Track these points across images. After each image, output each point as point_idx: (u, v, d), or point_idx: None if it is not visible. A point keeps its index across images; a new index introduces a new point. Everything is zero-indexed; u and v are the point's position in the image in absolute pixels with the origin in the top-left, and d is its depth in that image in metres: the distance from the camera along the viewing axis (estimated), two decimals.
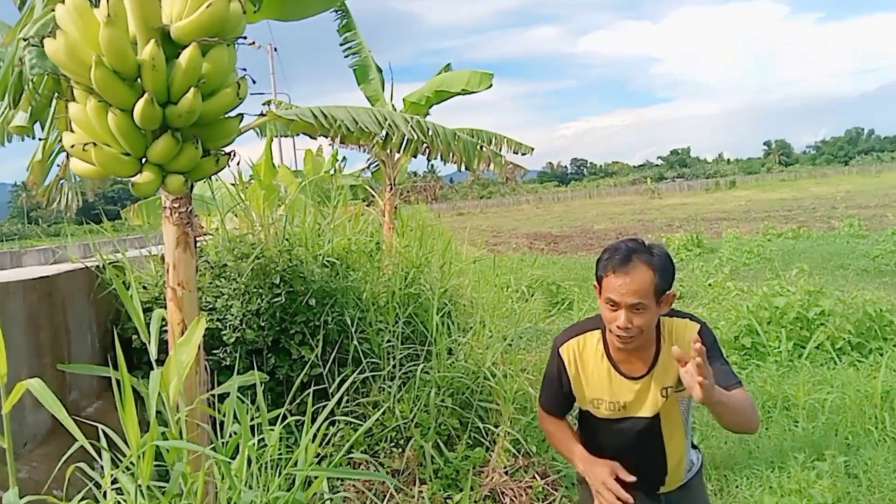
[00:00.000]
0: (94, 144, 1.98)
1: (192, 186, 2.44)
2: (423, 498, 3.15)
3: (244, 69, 2.15)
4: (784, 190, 48.47)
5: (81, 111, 2.00)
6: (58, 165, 2.86)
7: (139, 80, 1.97)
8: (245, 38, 2.12)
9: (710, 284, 8.59)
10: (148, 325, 2.19)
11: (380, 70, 7.90)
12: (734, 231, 16.73)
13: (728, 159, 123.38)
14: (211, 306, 3.56)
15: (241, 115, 2.24)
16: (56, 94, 2.38)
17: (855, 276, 9.59)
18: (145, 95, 1.92)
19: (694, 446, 2.23)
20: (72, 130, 2.07)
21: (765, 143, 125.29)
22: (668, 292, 1.93)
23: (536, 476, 3.39)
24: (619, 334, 1.91)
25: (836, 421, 4.18)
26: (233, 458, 1.76)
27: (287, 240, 3.95)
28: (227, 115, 2.21)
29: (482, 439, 3.55)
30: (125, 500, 1.55)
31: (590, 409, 2.13)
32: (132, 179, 2.09)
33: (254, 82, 2.17)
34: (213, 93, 2.08)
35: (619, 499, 1.95)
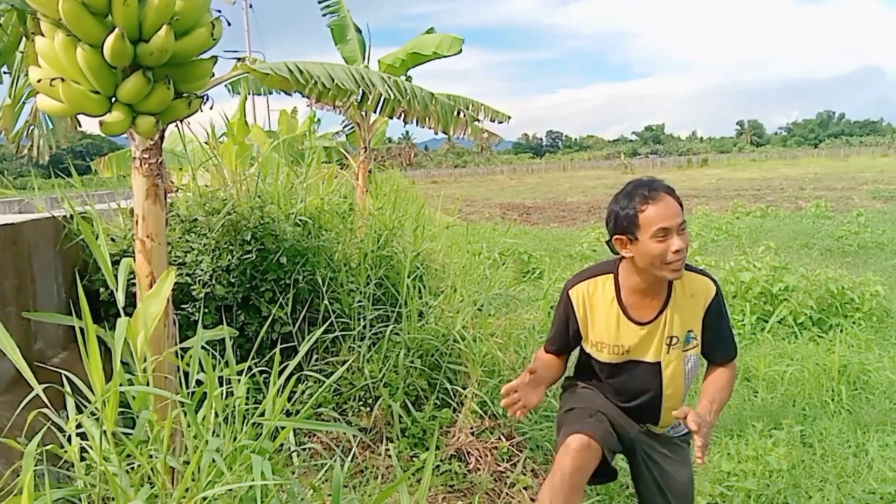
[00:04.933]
0: (62, 80, 1.90)
1: (162, 135, 2.37)
2: (389, 455, 3.18)
3: (219, 11, 2.08)
4: (754, 170, 49.23)
5: (49, 45, 1.91)
6: (28, 105, 2.74)
7: (110, 15, 1.89)
8: None
9: None
10: (116, 276, 2.14)
11: (358, 31, 7.73)
12: (704, 208, 16.99)
13: (701, 137, 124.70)
14: (180, 261, 3.51)
15: (215, 58, 2.17)
16: (24, 33, 2.27)
17: (819, 255, 9.84)
18: (116, 31, 1.84)
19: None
20: (38, 66, 1.99)
21: (738, 123, 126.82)
22: None
23: (502, 437, 3.45)
24: (676, 260, 1.90)
25: (794, 392, 4.32)
26: (199, 409, 1.75)
27: (259, 197, 3.88)
28: (200, 57, 2.13)
29: (450, 400, 3.59)
30: (90, 446, 1.53)
31: (592, 351, 2.16)
32: (101, 118, 2.02)
33: (229, 24, 2.10)
34: (186, 32, 2.01)
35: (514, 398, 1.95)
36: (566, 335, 2.19)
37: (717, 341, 2.13)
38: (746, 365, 4.76)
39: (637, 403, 2.15)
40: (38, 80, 1.93)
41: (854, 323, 5.61)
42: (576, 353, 2.35)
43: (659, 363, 2.08)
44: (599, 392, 2.24)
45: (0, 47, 2.29)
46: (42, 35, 1.95)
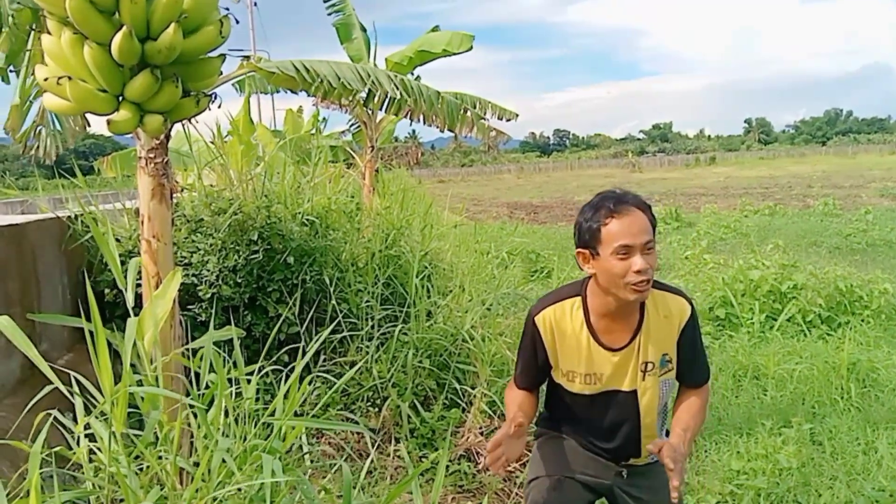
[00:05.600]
0: (69, 78, 1.88)
1: (168, 134, 2.37)
2: (399, 456, 3.17)
3: (227, 9, 2.06)
4: (762, 168, 48.97)
5: (55, 43, 1.90)
6: (36, 103, 2.74)
7: (117, 13, 1.87)
8: None
9: (686, 257, 8.69)
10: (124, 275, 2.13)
11: (364, 29, 7.72)
12: (712, 206, 16.90)
13: (709, 136, 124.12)
14: (187, 261, 3.50)
15: (223, 56, 2.15)
16: (33, 31, 2.26)
17: (828, 253, 9.77)
18: (123, 29, 1.82)
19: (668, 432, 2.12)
20: (45, 64, 1.98)
21: (745, 121, 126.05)
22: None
23: None
24: (638, 281, 1.76)
25: (803, 390, 4.28)
26: (209, 409, 1.73)
27: (265, 196, 3.87)
28: (208, 55, 2.12)
29: (459, 400, 3.57)
30: (98, 448, 1.52)
31: (562, 382, 2.01)
32: (108, 117, 2.00)
33: (237, 22, 2.08)
34: (194, 30, 1.99)
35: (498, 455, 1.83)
36: (535, 367, 2.04)
37: (690, 364, 2.01)
38: (756, 363, 4.72)
39: (615, 438, 2.03)
40: (45, 79, 1.92)
41: (863, 321, 5.57)
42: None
43: (635, 392, 1.95)
44: (573, 438, 2.12)
45: (9, 47, 2.28)
46: (49, 33, 1.94)
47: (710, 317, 5.91)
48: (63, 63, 1.92)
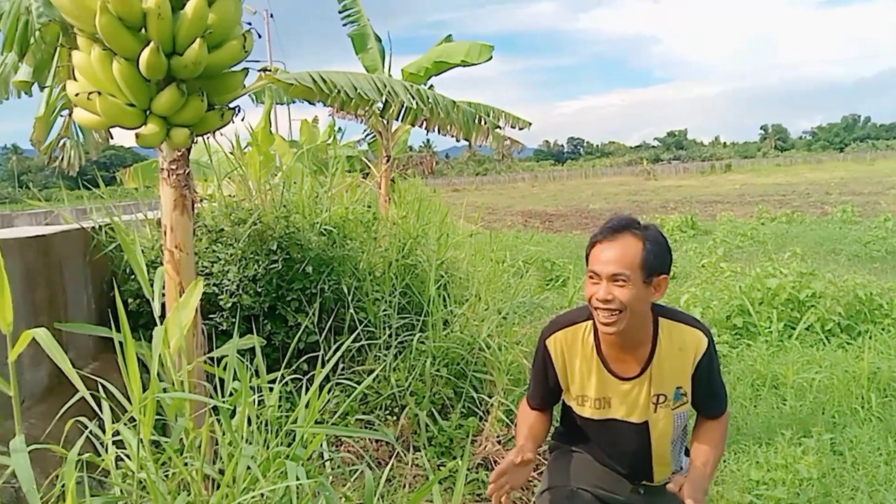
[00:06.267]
0: (99, 94, 1.95)
1: (189, 147, 2.42)
2: (417, 464, 3.19)
3: (249, 23, 2.12)
4: (779, 175, 48.54)
5: (85, 59, 1.96)
6: (61, 116, 2.82)
7: (144, 29, 1.93)
8: None
9: (703, 265, 8.62)
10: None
11: (378, 39, 7.79)
12: (728, 214, 16.76)
13: (724, 143, 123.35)
14: (207, 271, 3.55)
15: (246, 70, 2.21)
16: (59, 45, 2.33)
17: (847, 261, 9.65)
18: (151, 44, 1.89)
19: (688, 452, 2.09)
20: (75, 80, 2.04)
21: (761, 128, 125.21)
22: (661, 275, 1.79)
23: None
24: (597, 307, 1.77)
25: (823, 400, 4.24)
26: (232, 417, 1.77)
27: (284, 207, 3.92)
28: (232, 69, 2.17)
29: (476, 409, 3.58)
30: (126, 455, 1.55)
31: (573, 405, 2.00)
32: (136, 131, 2.06)
33: (259, 36, 2.13)
34: (219, 45, 2.05)
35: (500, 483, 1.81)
36: (546, 388, 2.03)
37: (707, 398, 1.97)
38: (774, 373, 4.69)
39: (625, 463, 2.01)
40: (76, 94, 1.98)
41: (883, 329, 5.49)
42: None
43: (646, 423, 1.91)
44: (587, 452, 2.10)
45: (35, 62, 2.35)
46: (79, 49, 2.00)
47: (728, 325, 5.86)
48: (93, 79, 1.98)
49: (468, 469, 3.21)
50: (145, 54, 1.90)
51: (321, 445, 1.91)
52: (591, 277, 1.80)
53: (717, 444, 1.97)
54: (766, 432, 3.82)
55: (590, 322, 1.91)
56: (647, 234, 1.79)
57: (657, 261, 1.77)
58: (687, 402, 1.94)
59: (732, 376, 4.67)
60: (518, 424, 2.14)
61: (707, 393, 1.95)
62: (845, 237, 12.19)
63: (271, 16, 27.81)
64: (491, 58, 7.02)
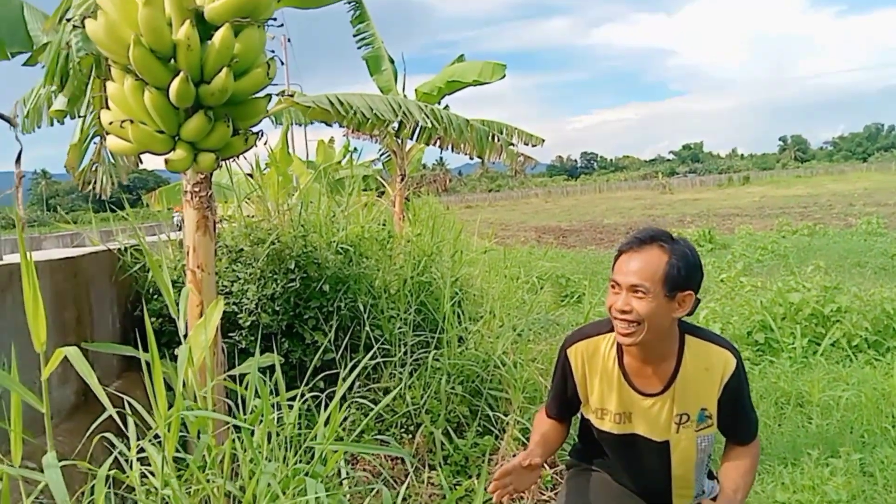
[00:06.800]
0: (131, 122, 2.03)
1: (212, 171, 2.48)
2: (433, 483, 3.18)
3: (272, 51, 2.19)
4: (800, 186, 47.96)
5: (119, 90, 2.06)
6: (94, 144, 2.93)
7: (174, 59, 2.02)
8: (275, 19, 2.16)
9: (722, 280, 8.54)
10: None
11: (392, 61, 7.91)
12: (747, 227, 16.60)
13: (742, 154, 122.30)
14: (227, 290, 3.61)
15: (269, 96, 2.29)
16: (93, 77, 2.44)
17: (872, 274, 9.48)
18: (181, 74, 1.97)
19: (712, 475, 2.05)
20: (108, 109, 2.13)
21: (780, 139, 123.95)
22: (686, 291, 1.73)
23: (545, 465, 3.41)
24: (616, 317, 1.74)
25: (851, 418, 4.13)
26: (253, 434, 1.79)
27: (302, 226, 3.98)
28: (256, 95, 2.25)
29: (492, 427, 3.57)
30: (150, 471, 1.58)
31: (592, 418, 1.96)
32: (166, 156, 2.14)
33: (282, 63, 2.19)
34: (244, 72, 2.14)
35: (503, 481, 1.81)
36: (565, 398, 2.00)
37: (735, 421, 1.91)
38: (799, 390, 4.60)
39: (642, 483, 1.97)
40: (110, 123, 2.07)
41: None
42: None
43: (667, 442, 1.86)
44: (604, 470, 2.07)
45: (70, 93, 2.45)
46: (113, 80, 2.09)
47: (749, 342, 5.78)
48: (125, 107, 2.07)
49: (485, 488, 3.19)
50: (175, 83, 1.98)
51: (338, 463, 1.92)
52: (612, 287, 1.78)
53: (748, 470, 1.91)
54: (791, 452, 3.74)
55: (612, 334, 1.88)
56: (675, 248, 1.74)
57: (681, 276, 1.72)
58: (712, 426, 1.89)
59: (755, 394, 4.59)
60: (532, 430, 2.12)
61: (735, 417, 1.90)
62: (870, 249, 11.98)
63: (289, 40, 28.31)
64: (504, 76, 7.09)
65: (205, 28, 2.07)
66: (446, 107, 7.24)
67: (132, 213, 3.81)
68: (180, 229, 4.08)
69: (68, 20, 2.32)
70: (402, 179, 7.49)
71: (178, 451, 1.77)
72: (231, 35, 2.04)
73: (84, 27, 2.05)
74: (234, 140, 2.24)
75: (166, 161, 2.15)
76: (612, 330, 1.87)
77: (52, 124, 3.01)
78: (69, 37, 2.30)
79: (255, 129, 2.33)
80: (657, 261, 1.71)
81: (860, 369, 4.91)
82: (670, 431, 1.86)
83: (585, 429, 2.06)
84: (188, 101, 2.05)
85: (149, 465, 1.66)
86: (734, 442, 1.96)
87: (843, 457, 3.44)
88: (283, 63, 2.23)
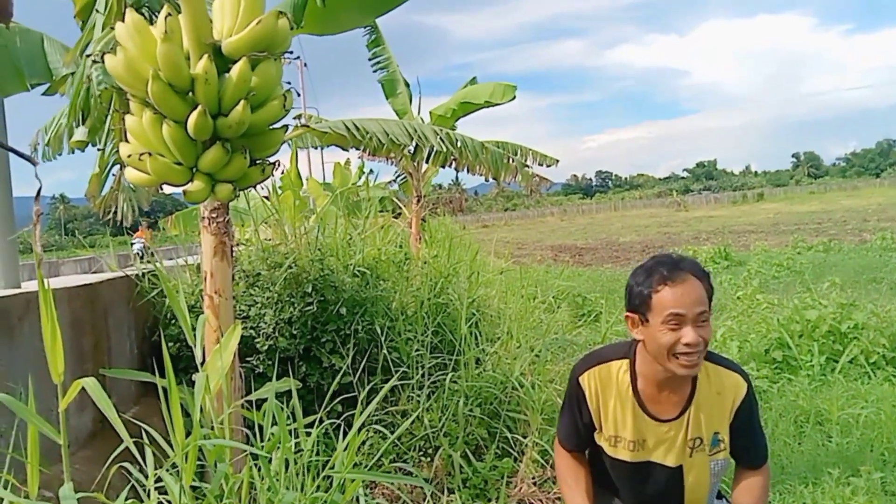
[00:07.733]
0: (150, 154, 2.08)
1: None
2: None
3: (288, 83, 2.23)
4: (814, 202, 47.61)
5: (137, 123, 2.11)
6: (113, 175, 3.00)
7: (192, 93, 2.07)
8: (291, 52, 2.20)
9: (738, 297, 8.46)
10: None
11: (407, 84, 8.03)
12: (763, 244, 16.47)
13: (755, 172, 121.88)
14: (245, 314, 3.63)
15: (285, 126, 2.33)
16: (112, 109, 2.50)
17: (889, 290, 9.35)
18: (199, 107, 2.02)
19: (720, 496, 2.05)
20: (127, 141, 2.18)
21: (793, 156, 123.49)
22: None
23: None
24: (687, 352, 1.68)
25: (871, 436, 4.08)
26: (269, 461, 1.80)
27: (319, 250, 4.01)
28: (273, 126, 2.29)
29: (510, 449, 3.55)
30: (168, 500, 1.59)
31: (605, 445, 1.93)
32: (184, 188, 2.18)
33: (298, 95, 2.24)
34: (261, 105, 2.18)
35: None
36: (580, 427, 1.96)
37: (746, 446, 1.90)
38: (818, 408, 4.54)
39: None
40: (129, 156, 2.12)
41: None
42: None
43: (680, 468, 1.85)
44: (614, 496, 2.04)
45: (90, 124, 2.51)
46: (131, 113, 2.15)
47: (767, 359, 5.71)
48: (144, 140, 2.12)
49: None
50: (193, 117, 2.03)
51: (357, 490, 1.92)
52: (669, 322, 1.69)
53: (761, 494, 1.91)
54: (811, 471, 3.69)
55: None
56: (696, 268, 1.76)
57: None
58: (725, 450, 1.88)
59: (774, 412, 4.54)
60: (563, 478, 2.05)
61: (746, 441, 1.89)
62: (886, 265, 11.84)
63: (305, 65, 28.74)
64: (514, 97, 7.18)
65: (222, 62, 2.11)
66: (454, 127, 7.32)
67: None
68: (141, 258, 4.16)
69: (88, 55, 2.39)
70: (419, 201, 7.54)
71: (195, 479, 1.79)
72: (248, 69, 2.08)
73: (104, 62, 2.11)
74: (251, 170, 2.27)
75: (184, 192, 2.19)
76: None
77: (72, 152, 3.09)
78: (90, 70, 2.37)
79: (272, 160, 2.37)
80: (699, 284, 1.72)
81: (879, 386, 4.85)
82: (684, 456, 1.85)
83: (596, 455, 2.04)
84: (206, 134, 2.09)
85: (166, 493, 1.67)
86: (745, 466, 1.95)
87: (864, 476, 3.38)
88: (298, 94, 2.28)
